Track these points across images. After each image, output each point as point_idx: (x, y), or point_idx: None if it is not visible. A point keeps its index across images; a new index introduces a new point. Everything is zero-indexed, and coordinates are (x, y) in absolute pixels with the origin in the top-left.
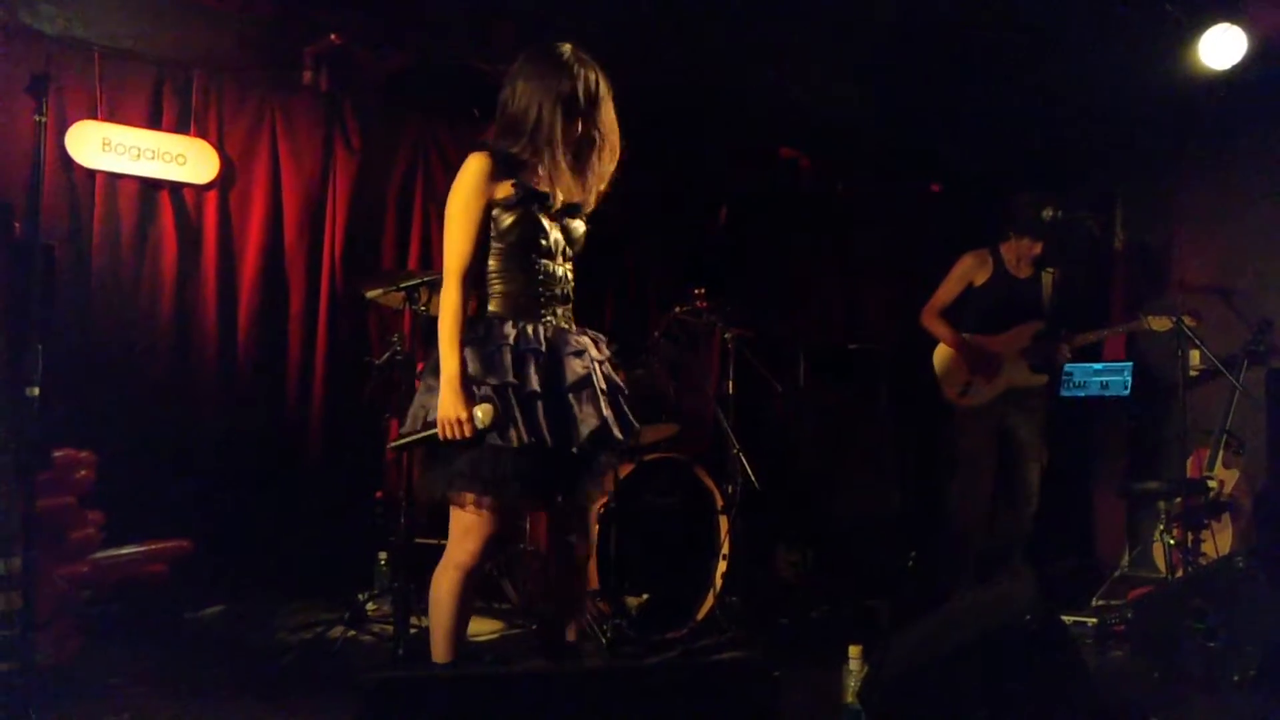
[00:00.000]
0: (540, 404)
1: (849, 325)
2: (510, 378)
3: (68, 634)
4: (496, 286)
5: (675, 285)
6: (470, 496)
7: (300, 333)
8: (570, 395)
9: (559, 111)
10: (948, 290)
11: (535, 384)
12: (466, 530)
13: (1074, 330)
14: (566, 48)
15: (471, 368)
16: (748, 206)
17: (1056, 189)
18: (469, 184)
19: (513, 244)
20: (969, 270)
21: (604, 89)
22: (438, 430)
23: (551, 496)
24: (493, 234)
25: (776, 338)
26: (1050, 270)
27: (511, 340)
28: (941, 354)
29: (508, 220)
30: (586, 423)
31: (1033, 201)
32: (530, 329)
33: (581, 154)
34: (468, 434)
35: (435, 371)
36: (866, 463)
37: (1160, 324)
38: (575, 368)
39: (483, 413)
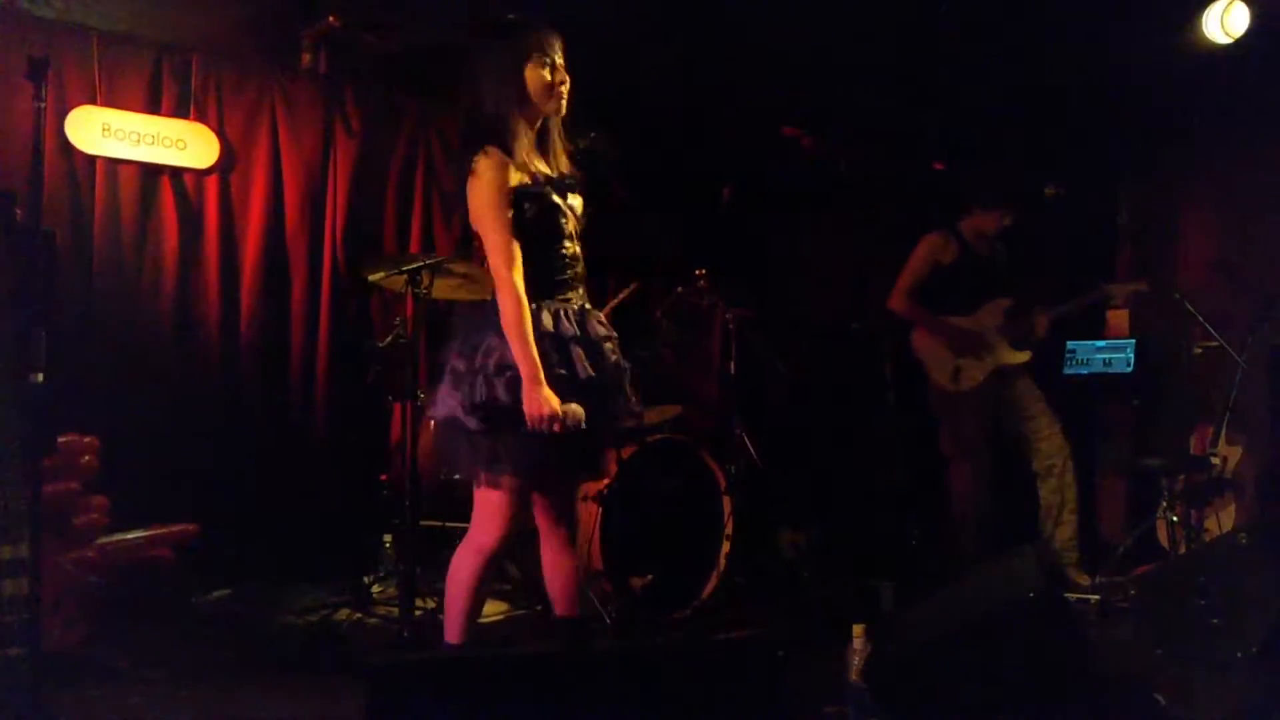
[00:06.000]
0: (593, 392)
1: (852, 304)
2: (560, 369)
3: (74, 619)
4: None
5: (677, 265)
6: (509, 480)
7: (303, 316)
8: (608, 380)
9: (542, 83)
10: (915, 272)
11: (589, 371)
12: (494, 513)
13: (1045, 305)
14: (521, 18)
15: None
16: (750, 186)
17: (1056, 166)
18: (493, 182)
19: (538, 230)
20: (936, 250)
21: (561, 45)
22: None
23: (573, 479)
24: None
25: (779, 317)
26: (1000, 246)
27: (553, 329)
28: (921, 340)
29: (532, 209)
30: (626, 409)
31: (1005, 172)
32: (564, 314)
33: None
34: (557, 430)
35: (466, 356)
36: (869, 442)
37: (1121, 290)
38: (608, 351)
39: (570, 412)
